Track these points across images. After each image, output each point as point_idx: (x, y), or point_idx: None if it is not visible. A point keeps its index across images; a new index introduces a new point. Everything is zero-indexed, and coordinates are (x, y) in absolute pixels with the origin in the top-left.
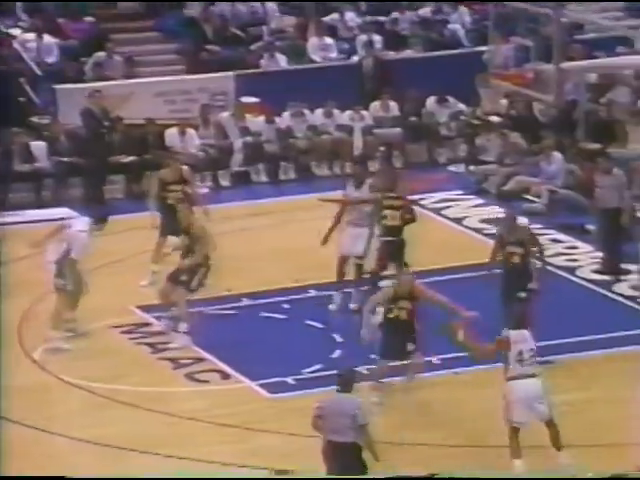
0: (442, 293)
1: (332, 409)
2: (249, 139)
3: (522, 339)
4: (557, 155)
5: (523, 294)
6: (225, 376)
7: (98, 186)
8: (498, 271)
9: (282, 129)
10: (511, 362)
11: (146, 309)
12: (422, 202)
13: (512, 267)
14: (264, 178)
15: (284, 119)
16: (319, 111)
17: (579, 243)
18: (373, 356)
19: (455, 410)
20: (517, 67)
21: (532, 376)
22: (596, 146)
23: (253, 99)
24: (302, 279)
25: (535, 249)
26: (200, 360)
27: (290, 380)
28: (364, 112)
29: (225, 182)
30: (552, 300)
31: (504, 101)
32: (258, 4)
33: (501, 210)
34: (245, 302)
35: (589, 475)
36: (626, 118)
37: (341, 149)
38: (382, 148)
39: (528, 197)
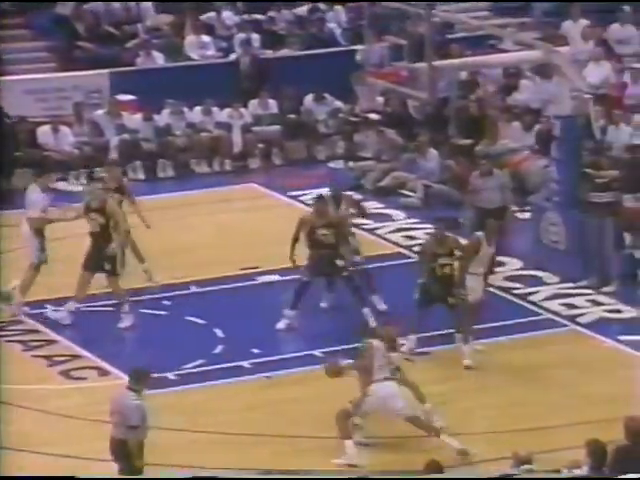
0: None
1: (115, 404)
2: (125, 136)
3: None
4: (432, 151)
5: (452, 299)
6: (103, 373)
7: None
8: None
9: (160, 127)
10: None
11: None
12: (301, 198)
13: (442, 276)
14: (141, 175)
15: (162, 117)
16: (198, 109)
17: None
18: (255, 351)
19: None
20: (391, 65)
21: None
22: (468, 142)
23: (129, 97)
24: (182, 276)
25: (461, 256)
26: (77, 357)
27: (170, 375)
28: (243, 110)
29: None
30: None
31: (380, 99)
32: (132, 3)
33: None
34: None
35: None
36: (496, 114)
37: (220, 147)
38: (261, 145)
39: (404, 192)
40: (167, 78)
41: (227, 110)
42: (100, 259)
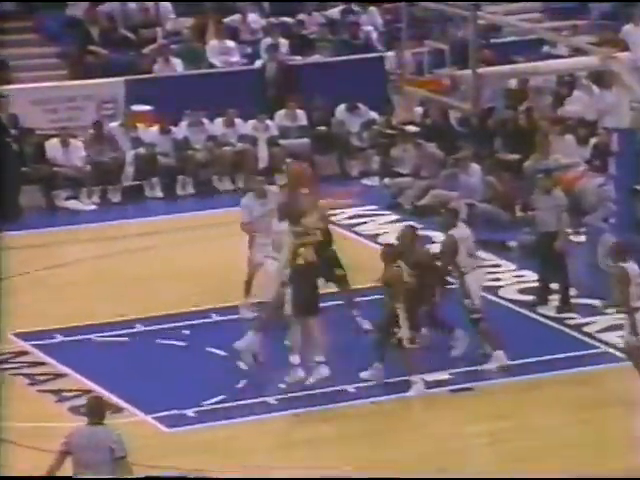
0: (362, 315)
1: (83, 443)
2: (142, 151)
3: None
4: (475, 167)
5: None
6: (116, 409)
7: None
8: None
9: (179, 140)
10: None
11: (24, 336)
12: (334, 218)
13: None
14: (159, 193)
15: (181, 129)
16: (219, 120)
17: (501, 261)
18: (282, 385)
19: None
20: (431, 73)
21: None
22: (515, 157)
23: (146, 107)
24: (202, 303)
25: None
26: (87, 392)
27: (190, 413)
28: (269, 122)
29: (116, 198)
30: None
31: (419, 109)
32: (151, 3)
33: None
34: (139, 328)
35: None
36: (547, 126)
37: (244, 162)
38: (289, 160)
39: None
40: (187, 87)
41: (252, 122)
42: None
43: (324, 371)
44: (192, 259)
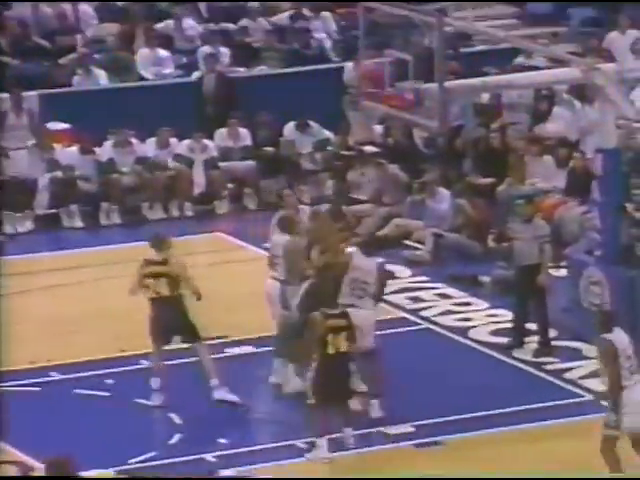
0: None
1: None
2: (59, 174)
3: None
4: (444, 192)
5: None
6: (27, 469)
7: None
8: None
9: (102, 162)
10: None
11: None
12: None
13: None
14: (79, 223)
15: (105, 150)
16: (151, 140)
17: (472, 299)
18: (221, 440)
19: None
20: (393, 87)
21: None
22: (487, 181)
23: (64, 125)
24: (129, 347)
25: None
26: None
27: (113, 472)
28: (207, 141)
29: (26, 228)
30: (441, 368)
31: (379, 127)
32: (68, 6)
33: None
34: (55, 376)
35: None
36: (523, 147)
37: (179, 187)
38: (230, 185)
39: (409, 243)
40: (112, 102)
41: (187, 142)
42: None
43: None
44: (117, 297)
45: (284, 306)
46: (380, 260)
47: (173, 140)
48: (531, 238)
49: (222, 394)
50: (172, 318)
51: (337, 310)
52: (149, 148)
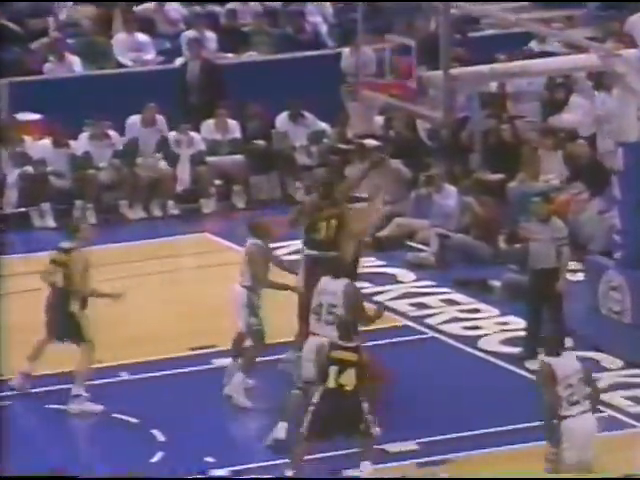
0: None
1: None
2: (29, 169)
3: None
4: (450, 188)
5: None
6: None
7: None
8: None
9: (77, 156)
10: None
11: None
12: (275, 253)
13: None
14: (51, 222)
15: (80, 143)
16: (134, 117)
17: (481, 305)
18: (208, 459)
19: None
20: (395, 74)
21: None
22: (497, 177)
23: (35, 116)
24: (108, 358)
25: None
26: None
27: None
28: (193, 134)
29: None
30: (447, 381)
31: (379, 119)
32: None
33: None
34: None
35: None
36: (536, 140)
37: (161, 184)
38: (218, 182)
39: (413, 244)
40: (88, 90)
41: (171, 134)
42: None
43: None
44: (93, 303)
45: (251, 314)
46: (346, 282)
47: (159, 117)
48: (548, 240)
49: (74, 406)
50: (56, 313)
51: (350, 343)
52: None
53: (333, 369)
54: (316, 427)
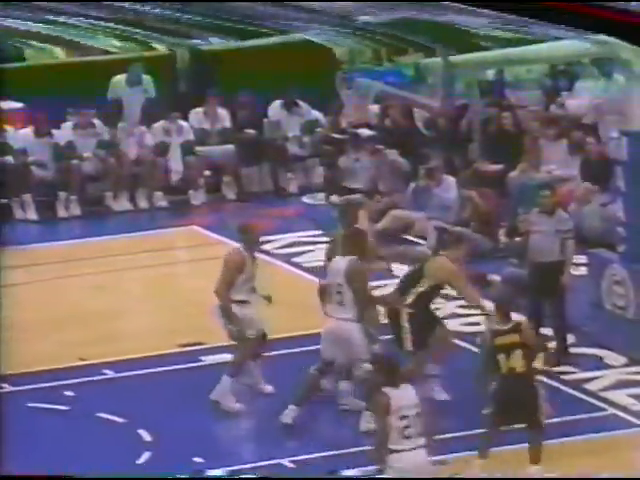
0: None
1: None
2: (10, 160)
3: None
4: (449, 180)
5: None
6: None
7: None
8: None
9: (61, 146)
10: None
11: None
12: (265, 246)
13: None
14: (33, 215)
15: (64, 132)
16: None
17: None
18: (197, 459)
19: None
20: (391, 61)
21: None
22: (497, 167)
23: (16, 104)
24: (91, 355)
25: None
26: None
27: None
28: (182, 123)
29: None
30: (445, 379)
31: (375, 107)
32: None
33: None
34: (6, 388)
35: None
36: (538, 129)
37: (149, 174)
38: (207, 173)
39: (410, 238)
40: (71, 76)
41: (160, 123)
42: None
43: None
44: (77, 298)
45: (228, 322)
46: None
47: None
48: (552, 232)
49: None
50: None
51: (508, 325)
52: (114, 130)
53: (501, 356)
54: (499, 414)
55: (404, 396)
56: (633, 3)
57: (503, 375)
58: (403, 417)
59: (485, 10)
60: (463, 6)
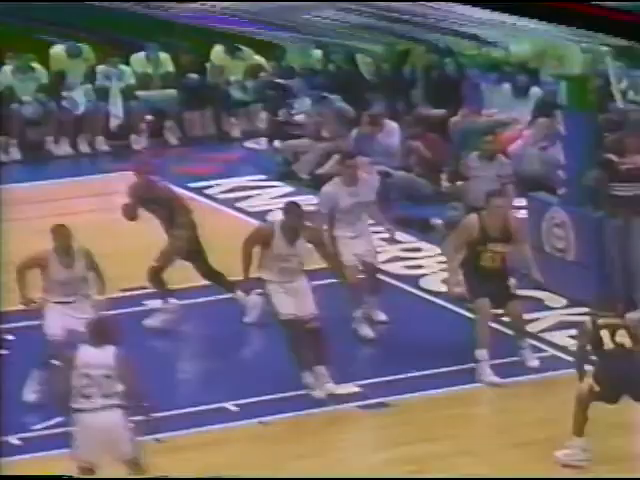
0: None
1: None
2: None
3: None
4: (392, 126)
5: None
6: None
7: None
8: None
9: None
10: None
11: None
12: (207, 192)
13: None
14: None
15: (3, 76)
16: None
17: (423, 244)
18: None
19: None
20: None
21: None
22: (440, 112)
23: None
24: (34, 299)
25: None
26: None
27: (14, 440)
28: (123, 67)
29: None
30: (388, 321)
31: (318, 52)
32: None
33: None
34: None
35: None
36: (478, 74)
37: (89, 119)
38: (149, 117)
39: None
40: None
41: (101, 67)
42: None
43: None
44: (15, 246)
45: None
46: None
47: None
48: (492, 177)
49: None
50: None
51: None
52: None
53: (605, 333)
54: (602, 390)
55: (96, 356)
56: None
57: (608, 351)
58: (85, 375)
59: None
60: None
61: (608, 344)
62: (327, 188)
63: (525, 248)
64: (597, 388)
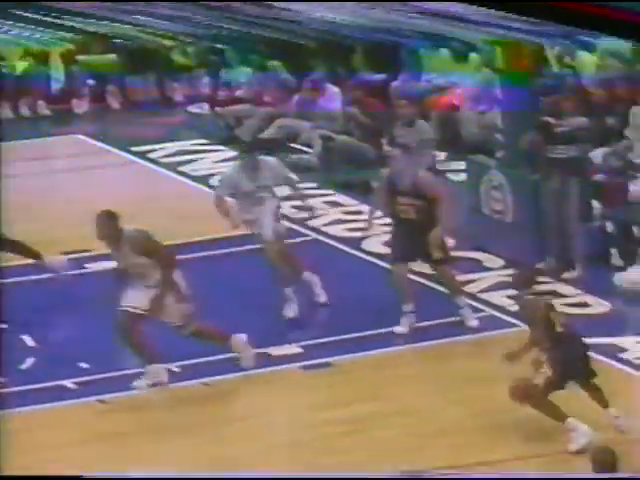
0: (187, 277)
1: None
2: None
3: None
4: (334, 89)
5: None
6: None
7: None
8: None
9: None
10: None
11: None
12: (150, 156)
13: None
14: None
15: None
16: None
17: (365, 207)
18: (82, 365)
19: None
20: None
21: None
22: (380, 76)
23: None
24: None
25: None
26: None
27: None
28: (66, 34)
29: None
30: (331, 283)
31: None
32: None
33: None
34: None
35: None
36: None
37: (31, 82)
38: (91, 81)
39: (295, 146)
40: None
41: (41, 29)
42: None
43: None
44: None
45: None
46: None
47: (20, 25)
48: (415, 143)
49: None
50: None
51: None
52: None
53: (555, 315)
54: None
55: None
56: None
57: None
58: None
59: None
60: None
61: (558, 327)
62: (227, 171)
63: (440, 208)
64: (552, 375)
